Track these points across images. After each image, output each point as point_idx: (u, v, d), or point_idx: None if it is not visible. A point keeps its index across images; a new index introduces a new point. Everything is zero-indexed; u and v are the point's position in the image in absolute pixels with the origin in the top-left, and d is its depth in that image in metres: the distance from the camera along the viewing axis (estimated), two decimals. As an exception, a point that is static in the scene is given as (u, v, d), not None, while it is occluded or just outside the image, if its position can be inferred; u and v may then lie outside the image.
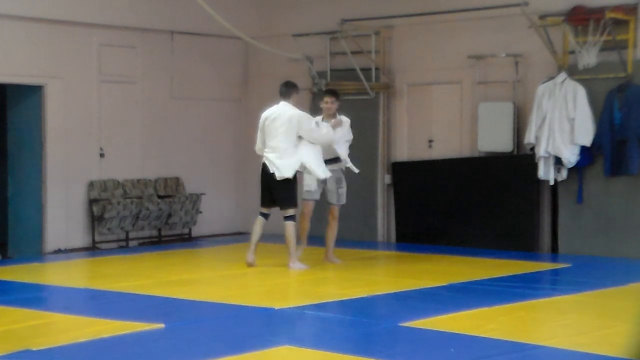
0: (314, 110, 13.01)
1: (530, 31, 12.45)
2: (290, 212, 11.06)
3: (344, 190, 11.58)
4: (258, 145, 11.27)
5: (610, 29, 11.89)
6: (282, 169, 10.93)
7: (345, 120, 11.49)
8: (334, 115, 11.47)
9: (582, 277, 10.56)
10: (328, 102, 11.54)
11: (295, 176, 11.07)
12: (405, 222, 13.82)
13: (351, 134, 11.57)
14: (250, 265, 11.14)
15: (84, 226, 13.58)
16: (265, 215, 11.24)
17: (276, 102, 11.23)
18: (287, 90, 11.20)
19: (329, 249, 11.67)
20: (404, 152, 14.07)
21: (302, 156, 10.98)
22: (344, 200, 11.63)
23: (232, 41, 14.92)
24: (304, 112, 11.25)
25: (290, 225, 11.03)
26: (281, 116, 11.02)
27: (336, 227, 11.64)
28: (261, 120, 11.20)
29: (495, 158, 13.10)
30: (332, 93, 11.77)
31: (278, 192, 11.05)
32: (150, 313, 8.32)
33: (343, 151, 11.47)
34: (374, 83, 14.07)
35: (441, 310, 8.42)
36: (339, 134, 11.35)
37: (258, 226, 11.17)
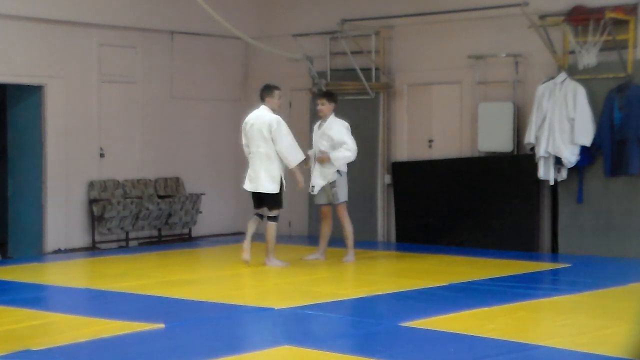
0: (314, 110, 13.00)
1: (530, 31, 12.45)
2: (274, 212, 11.24)
3: (337, 189, 11.58)
4: (245, 150, 11.52)
5: (610, 29, 11.89)
6: (267, 185, 11.14)
7: (341, 124, 11.63)
8: (327, 117, 11.62)
9: (582, 277, 10.56)
10: (319, 105, 11.72)
11: (281, 184, 11.19)
12: (405, 222, 13.82)
13: (343, 136, 11.57)
14: (246, 262, 11.17)
15: (84, 226, 13.59)
16: (261, 216, 11.38)
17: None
18: (264, 93, 11.36)
19: (320, 246, 11.77)
20: (404, 152, 14.07)
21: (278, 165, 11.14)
22: (338, 200, 11.62)
23: (232, 41, 14.92)
24: (278, 118, 11.20)
25: (271, 226, 11.21)
26: (259, 120, 11.17)
27: (328, 225, 11.71)
28: (243, 126, 11.43)
29: (495, 158, 13.10)
30: (323, 95, 11.83)
31: (265, 197, 11.25)
32: (150, 313, 8.32)
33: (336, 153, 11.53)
34: (374, 83, 14.07)
35: (441, 310, 8.42)
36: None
37: (252, 222, 11.35)
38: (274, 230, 11.22)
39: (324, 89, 13.98)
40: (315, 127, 11.89)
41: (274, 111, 11.27)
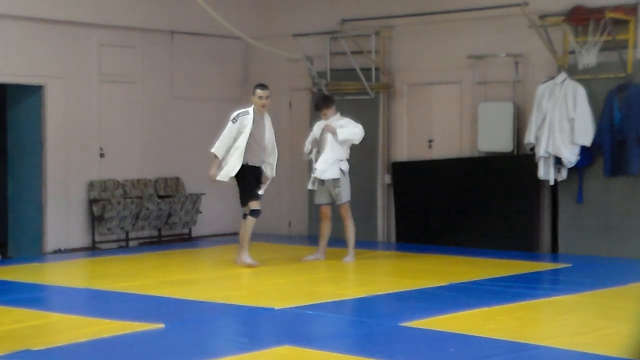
0: (314, 110, 12.98)
1: (530, 31, 12.45)
2: (250, 206, 11.22)
3: (340, 189, 11.61)
4: None
5: (610, 29, 11.89)
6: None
7: (349, 120, 11.72)
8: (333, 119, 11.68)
9: (582, 277, 10.57)
10: (322, 116, 11.78)
11: (239, 175, 11.23)
12: (405, 222, 13.82)
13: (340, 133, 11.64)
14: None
15: (84, 226, 13.58)
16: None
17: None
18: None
19: (320, 246, 11.81)
20: (404, 152, 14.07)
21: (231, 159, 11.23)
22: (342, 200, 11.64)
23: (232, 41, 14.91)
24: (234, 113, 11.29)
25: (247, 220, 11.28)
26: None
27: (328, 225, 11.75)
28: None
29: (495, 158, 13.10)
30: (322, 105, 11.79)
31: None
32: (150, 313, 8.32)
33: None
34: (374, 83, 14.07)
35: (441, 310, 8.42)
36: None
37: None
38: (246, 226, 11.28)
39: (324, 89, 14.01)
40: (318, 125, 11.84)
41: (258, 110, 11.23)
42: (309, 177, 11.99)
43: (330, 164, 11.56)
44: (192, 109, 14.89)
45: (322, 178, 11.59)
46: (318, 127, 11.82)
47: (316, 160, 11.69)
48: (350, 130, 11.61)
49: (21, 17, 12.88)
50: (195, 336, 7.53)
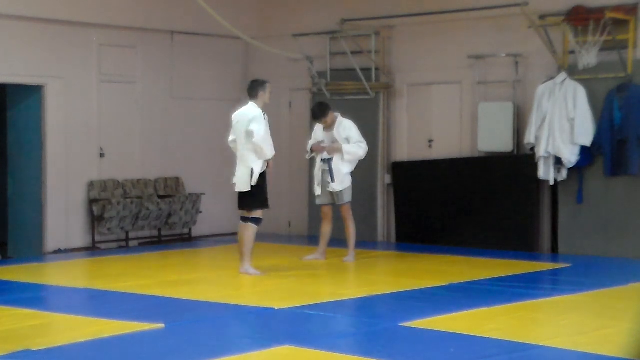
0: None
1: (530, 31, 12.46)
2: (254, 214, 10.66)
3: (342, 190, 11.59)
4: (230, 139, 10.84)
5: (610, 29, 11.89)
6: (239, 184, 10.60)
7: (352, 124, 11.69)
8: (332, 125, 11.65)
9: (582, 277, 10.57)
10: (323, 125, 11.68)
11: (258, 182, 10.52)
12: (405, 222, 13.82)
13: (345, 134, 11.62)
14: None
15: (84, 226, 13.58)
16: (244, 219, 10.75)
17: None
18: (252, 88, 10.70)
19: (320, 246, 11.83)
20: (404, 152, 14.07)
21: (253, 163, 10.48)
22: (343, 200, 11.63)
23: (232, 41, 14.92)
24: (260, 113, 10.50)
25: (247, 227, 10.65)
26: (243, 118, 10.57)
27: (328, 225, 11.74)
28: (232, 121, 10.80)
29: (495, 158, 13.10)
30: (320, 114, 11.61)
31: (244, 196, 10.68)
32: (150, 313, 8.33)
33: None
34: (374, 83, 14.07)
35: (441, 310, 8.43)
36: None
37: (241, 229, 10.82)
38: (248, 232, 10.65)
39: (324, 89, 14.02)
40: (318, 128, 11.84)
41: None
42: (309, 177, 11.98)
43: (342, 176, 11.54)
44: (192, 109, 14.89)
45: (338, 191, 11.56)
46: (319, 129, 11.80)
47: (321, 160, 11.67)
48: (356, 150, 11.57)
49: (21, 17, 12.88)
50: (195, 336, 7.53)
